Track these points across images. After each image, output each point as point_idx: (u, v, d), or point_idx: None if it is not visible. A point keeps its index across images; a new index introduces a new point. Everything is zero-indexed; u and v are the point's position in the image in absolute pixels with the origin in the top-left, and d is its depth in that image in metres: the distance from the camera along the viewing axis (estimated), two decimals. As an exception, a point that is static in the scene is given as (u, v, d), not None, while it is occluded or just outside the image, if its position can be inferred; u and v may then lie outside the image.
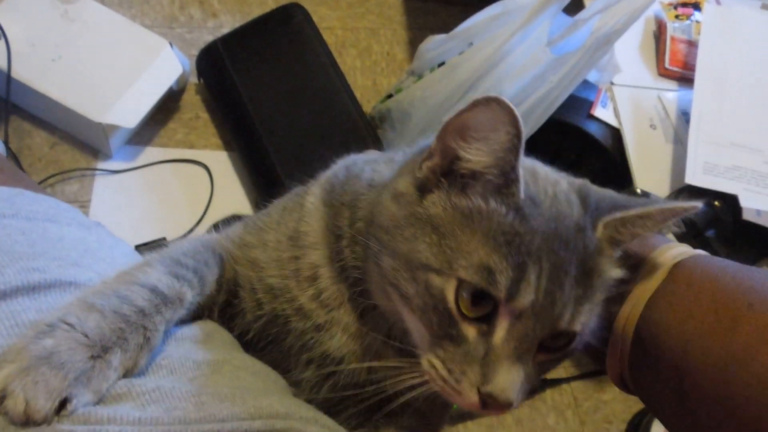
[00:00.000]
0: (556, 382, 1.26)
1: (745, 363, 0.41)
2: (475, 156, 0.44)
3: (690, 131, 1.13)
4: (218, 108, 1.34)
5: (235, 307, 0.58)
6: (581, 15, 1.13)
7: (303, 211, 0.56)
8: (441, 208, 0.45)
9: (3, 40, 1.15)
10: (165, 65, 1.26)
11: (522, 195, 0.44)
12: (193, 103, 1.38)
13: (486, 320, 0.44)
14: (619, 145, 1.22)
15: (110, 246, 0.62)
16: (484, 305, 0.43)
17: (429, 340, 0.45)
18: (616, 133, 1.23)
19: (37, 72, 1.18)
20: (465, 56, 1.17)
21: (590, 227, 0.46)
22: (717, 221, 1.10)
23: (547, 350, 0.46)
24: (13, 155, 1.19)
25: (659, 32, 1.37)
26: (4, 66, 1.15)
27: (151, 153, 1.29)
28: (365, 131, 1.26)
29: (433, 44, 1.27)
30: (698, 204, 0.46)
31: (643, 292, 0.49)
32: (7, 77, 1.15)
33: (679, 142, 1.23)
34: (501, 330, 0.43)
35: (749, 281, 0.45)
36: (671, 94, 1.30)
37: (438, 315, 0.44)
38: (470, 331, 0.44)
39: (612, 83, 1.28)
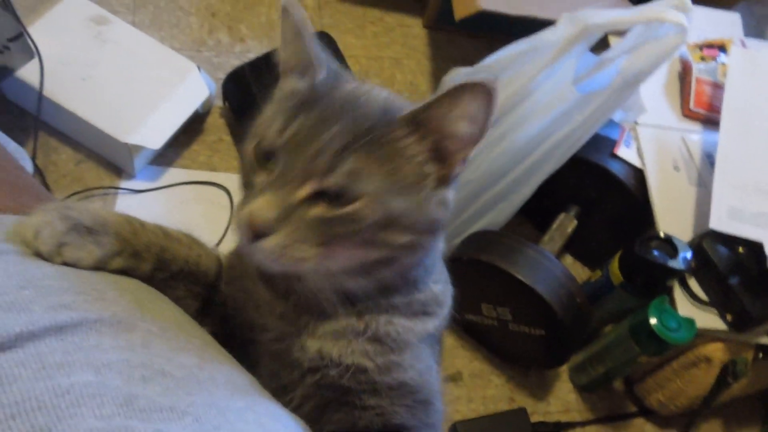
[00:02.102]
0: (570, 426, 1.24)
1: None
2: (282, 54, 0.58)
3: (715, 174, 1.12)
4: (242, 132, 1.34)
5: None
6: (607, 54, 1.14)
7: None
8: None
9: (37, 58, 1.17)
10: (192, 88, 1.28)
11: (319, 73, 0.54)
12: (217, 125, 1.39)
13: None
14: (642, 186, 1.21)
15: None
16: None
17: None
18: (639, 174, 1.22)
19: (67, 90, 1.20)
20: (490, 91, 1.17)
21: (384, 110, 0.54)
22: (741, 268, 1.08)
23: (328, 203, 0.50)
24: (39, 171, 1.21)
25: (684, 73, 1.37)
26: (36, 84, 1.17)
27: (173, 174, 1.30)
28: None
29: (458, 76, 1.27)
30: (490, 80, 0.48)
31: None
32: (39, 95, 1.17)
33: (703, 185, 1.22)
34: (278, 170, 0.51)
35: None
36: (696, 135, 1.29)
37: (246, 172, 0.53)
38: (260, 176, 0.51)
39: (636, 123, 1.28)
